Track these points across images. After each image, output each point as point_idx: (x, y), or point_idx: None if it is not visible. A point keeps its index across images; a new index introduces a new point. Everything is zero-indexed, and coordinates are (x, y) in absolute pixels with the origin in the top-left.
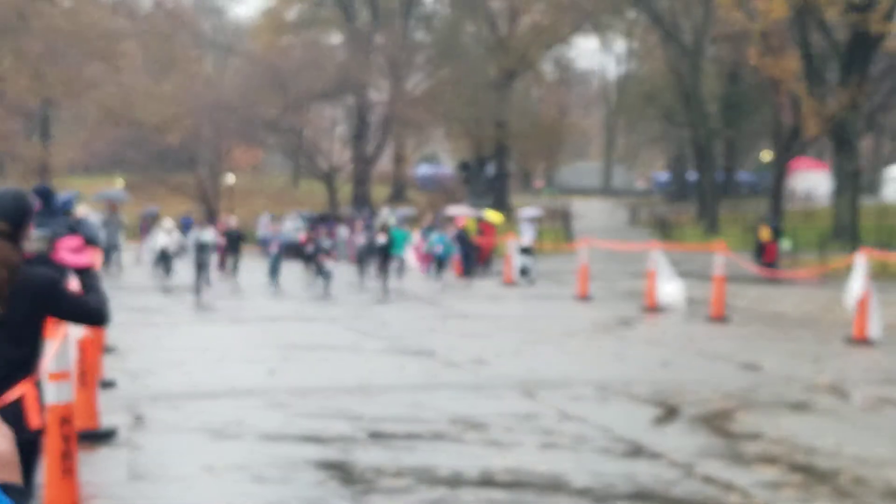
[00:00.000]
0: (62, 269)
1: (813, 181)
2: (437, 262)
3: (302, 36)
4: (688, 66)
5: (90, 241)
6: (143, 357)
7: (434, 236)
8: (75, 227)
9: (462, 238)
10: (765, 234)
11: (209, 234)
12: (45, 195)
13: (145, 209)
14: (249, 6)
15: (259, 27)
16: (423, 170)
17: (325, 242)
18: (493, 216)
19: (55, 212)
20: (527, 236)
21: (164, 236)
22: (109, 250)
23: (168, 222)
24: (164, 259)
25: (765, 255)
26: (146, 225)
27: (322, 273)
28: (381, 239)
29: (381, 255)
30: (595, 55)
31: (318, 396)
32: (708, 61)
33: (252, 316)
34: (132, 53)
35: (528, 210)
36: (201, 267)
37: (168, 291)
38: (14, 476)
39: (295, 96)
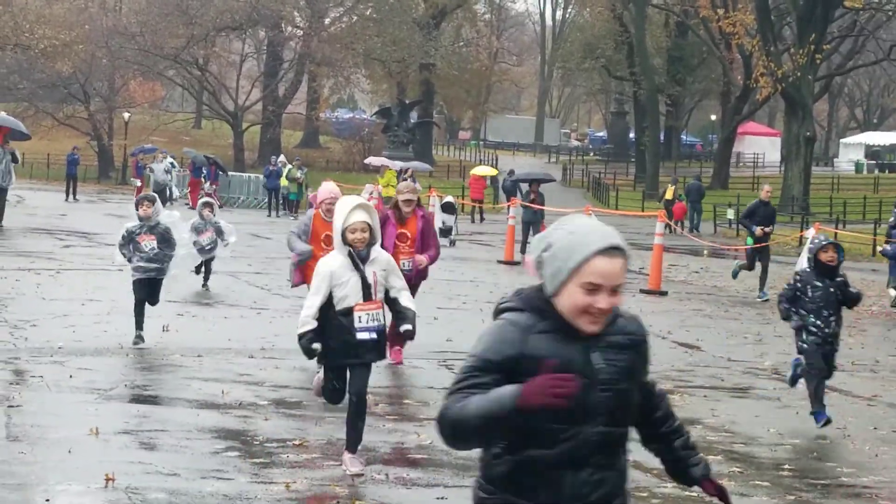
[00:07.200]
0: None
1: (762, 147)
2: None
3: None
4: (633, 13)
5: None
6: (24, 307)
7: None
8: None
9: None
10: (669, 193)
11: None
12: None
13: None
14: None
15: None
16: (340, 115)
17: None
18: (482, 171)
19: None
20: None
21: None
22: None
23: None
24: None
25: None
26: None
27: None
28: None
29: None
30: None
31: (216, 358)
32: (654, 10)
33: None
34: None
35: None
36: None
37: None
38: None
39: (201, 26)
